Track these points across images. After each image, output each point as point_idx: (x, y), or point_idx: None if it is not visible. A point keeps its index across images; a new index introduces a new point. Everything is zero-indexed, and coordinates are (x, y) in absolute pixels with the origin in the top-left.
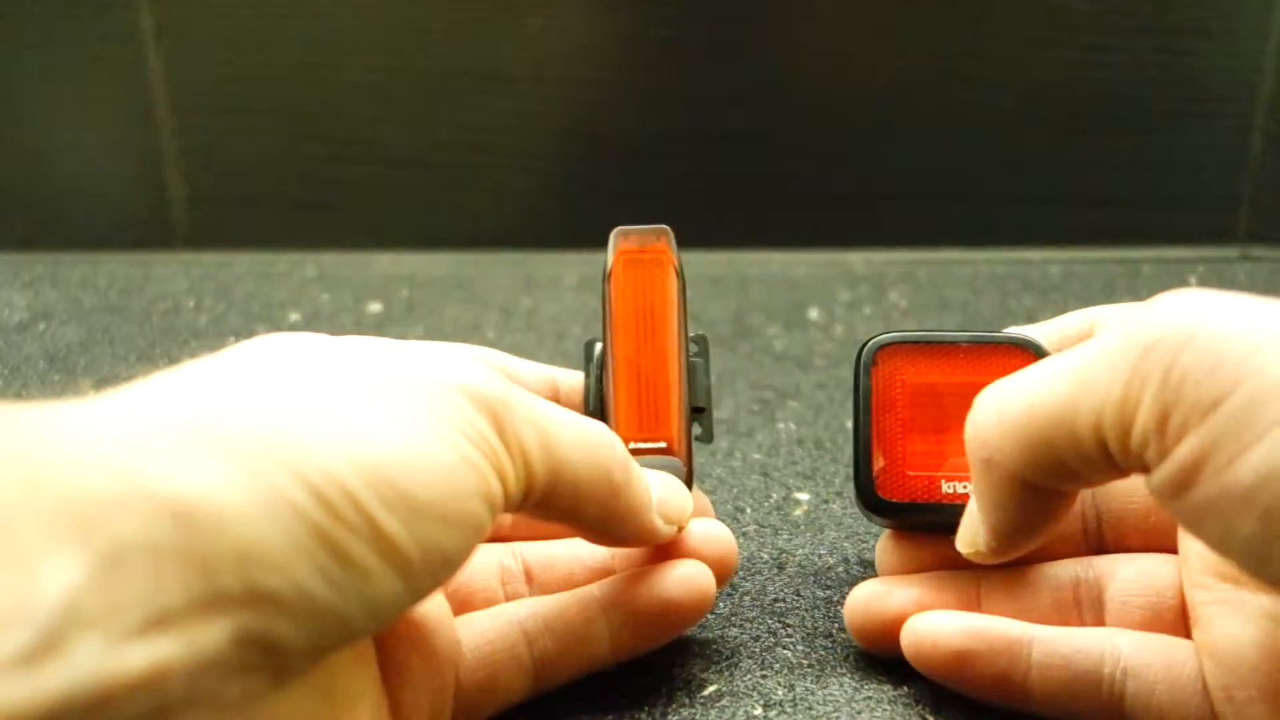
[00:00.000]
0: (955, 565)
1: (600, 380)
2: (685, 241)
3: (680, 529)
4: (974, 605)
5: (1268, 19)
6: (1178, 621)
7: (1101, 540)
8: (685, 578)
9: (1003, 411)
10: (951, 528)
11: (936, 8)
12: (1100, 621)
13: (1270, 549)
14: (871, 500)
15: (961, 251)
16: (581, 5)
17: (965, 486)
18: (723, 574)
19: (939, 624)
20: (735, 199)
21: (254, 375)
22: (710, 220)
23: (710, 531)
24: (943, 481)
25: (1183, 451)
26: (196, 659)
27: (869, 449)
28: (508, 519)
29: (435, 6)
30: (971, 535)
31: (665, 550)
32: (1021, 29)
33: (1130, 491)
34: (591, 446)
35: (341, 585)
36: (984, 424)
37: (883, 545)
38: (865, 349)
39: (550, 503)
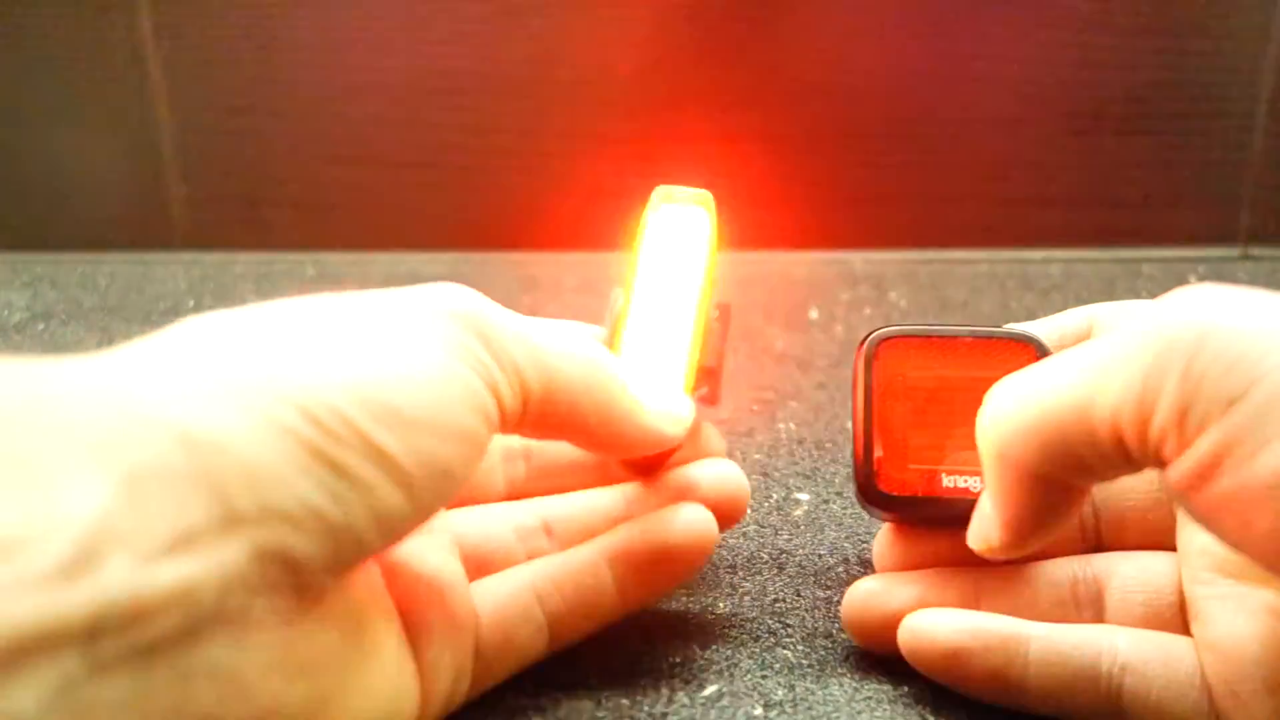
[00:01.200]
0: (954, 560)
1: (616, 324)
2: None
3: (686, 428)
4: (972, 603)
5: (1268, 19)
6: (1176, 618)
7: (1099, 537)
8: (686, 522)
9: (1017, 406)
10: (951, 522)
11: (936, 7)
12: (1099, 619)
13: None
14: (871, 494)
15: (961, 251)
16: (581, 5)
17: (966, 480)
18: (734, 512)
19: (935, 622)
20: (736, 199)
21: (245, 324)
22: None
23: (721, 472)
24: (943, 475)
25: (1203, 445)
26: (222, 576)
27: (869, 442)
28: (521, 470)
29: (435, 6)
30: (984, 531)
31: (674, 494)
32: (1021, 29)
33: (1128, 488)
34: (579, 353)
35: (346, 499)
36: (998, 418)
37: (881, 540)
38: (867, 341)
39: (550, 413)
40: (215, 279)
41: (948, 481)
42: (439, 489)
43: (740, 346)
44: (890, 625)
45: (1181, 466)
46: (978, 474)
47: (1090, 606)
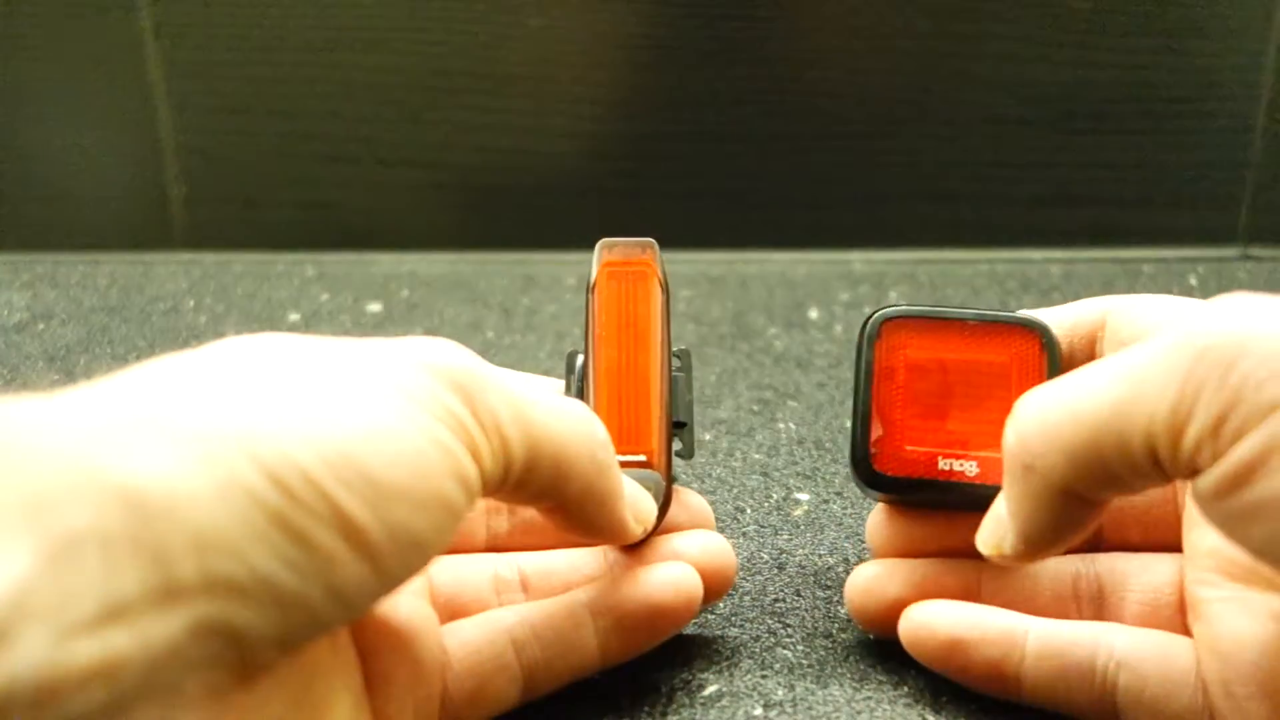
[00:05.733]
0: (946, 541)
1: (581, 392)
2: (686, 242)
3: (645, 530)
4: (974, 594)
5: (1268, 19)
6: (1175, 618)
7: (1100, 534)
8: (671, 579)
9: (1047, 418)
10: (947, 505)
11: (936, 7)
12: (1099, 616)
13: None
14: (867, 474)
15: (961, 251)
16: (581, 5)
17: (962, 464)
18: (721, 583)
19: (935, 613)
20: (735, 199)
21: (214, 369)
22: (710, 220)
23: (707, 542)
24: (940, 458)
25: (1240, 452)
26: (151, 651)
27: (867, 422)
28: (504, 525)
29: (435, 6)
30: (996, 538)
31: (658, 559)
32: (1021, 29)
33: None
34: (571, 420)
35: (304, 571)
36: (1027, 430)
37: (874, 520)
38: (870, 321)
39: (532, 480)
40: (215, 279)
41: (944, 464)
42: (408, 562)
43: (740, 347)
44: (892, 612)
45: (1215, 474)
46: (974, 458)
47: (1091, 603)
